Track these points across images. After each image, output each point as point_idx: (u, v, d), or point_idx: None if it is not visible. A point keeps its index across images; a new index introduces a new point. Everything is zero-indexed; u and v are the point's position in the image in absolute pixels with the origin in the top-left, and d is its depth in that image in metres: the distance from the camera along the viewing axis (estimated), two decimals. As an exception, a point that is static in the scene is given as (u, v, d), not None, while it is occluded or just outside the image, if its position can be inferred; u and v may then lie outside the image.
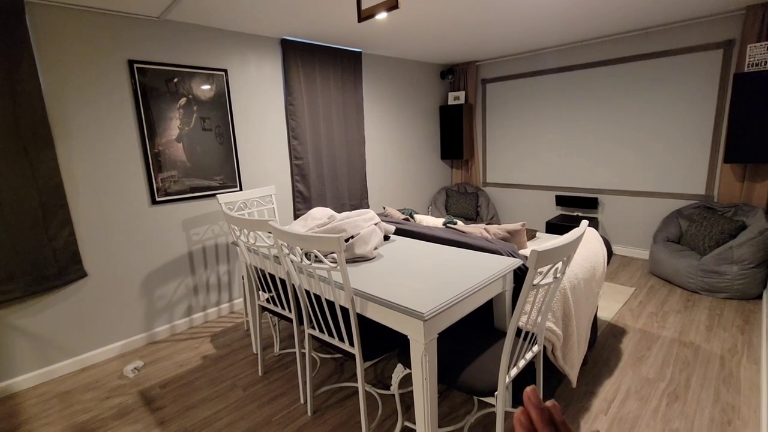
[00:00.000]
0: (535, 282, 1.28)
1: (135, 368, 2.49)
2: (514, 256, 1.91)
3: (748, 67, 3.06)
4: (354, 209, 4.12)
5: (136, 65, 2.58)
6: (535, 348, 1.65)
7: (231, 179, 3.14)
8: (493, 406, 1.99)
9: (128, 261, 2.69)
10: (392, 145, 4.56)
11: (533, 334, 1.66)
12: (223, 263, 3.20)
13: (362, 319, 1.90)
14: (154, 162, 2.72)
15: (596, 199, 4.23)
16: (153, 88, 2.67)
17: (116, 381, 2.40)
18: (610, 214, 4.22)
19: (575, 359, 1.91)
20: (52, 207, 2.34)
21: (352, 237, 2.00)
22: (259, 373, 2.37)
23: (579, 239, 1.41)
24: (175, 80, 2.76)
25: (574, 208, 4.46)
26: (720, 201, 3.47)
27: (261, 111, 3.29)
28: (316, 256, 1.70)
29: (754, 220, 3.07)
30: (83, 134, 2.44)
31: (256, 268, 2.25)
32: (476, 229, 2.38)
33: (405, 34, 3.40)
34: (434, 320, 1.38)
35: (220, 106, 3.01)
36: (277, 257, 1.99)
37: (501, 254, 1.94)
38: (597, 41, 3.98)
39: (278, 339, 2.64)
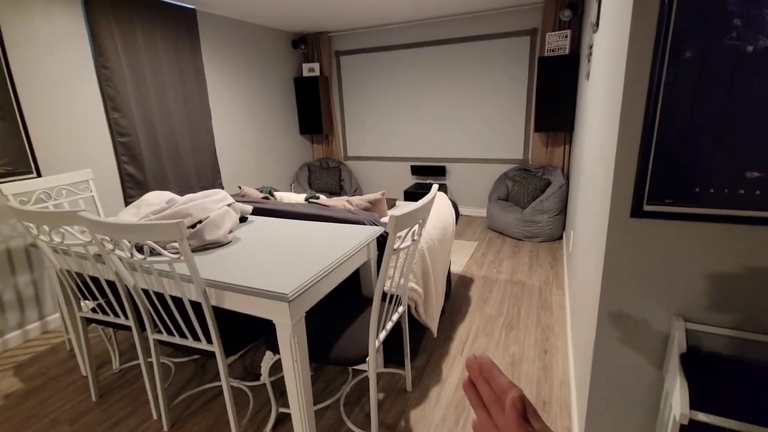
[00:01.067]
0: (395, 246, 1.32)
1: None
2: (375, 225, 1.95)
3: (547, 52, 3.72)
4: (205, 191, 3.66)
5: None
6: (401, 309, 1.74)
7: (19, 163, 2.40)
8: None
9: None
10: (245, 119, 4.16)
11: (398, 296, 1.74)
12: (23, 273, 2.47)
13: (220, 312, 1.70)
14: None
15: (444, 167, 4.69)
16: None
17: None
18: (455, 179, 4.75)
19: (435, 312, 2.11)
20: None
21: (200, 222, 1.74)
22: (93, 398, 1.94)
23: (431, 203, 1.50)
24: None
25: (426, 177, 4.87)
26: (533, 164, 4.24)
27: (61, 77, 2.56)
28: (151, 249, 1.42)
29: (555, 177, 3.85)
30: None
31: (70, 273, 1.79)
32: (339, 202, 2.36)
33: (245, -8, 3.05)
34: (299, 299, 1.31)
35: (-11, 64, 2.23)
36: (99, 255, 1.61)
37: (364, 224, 1.96)
38: (438, 20, 4.29)
39: (117, 352, 2.20)
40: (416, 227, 1.47)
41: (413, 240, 1.47)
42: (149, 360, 1.94)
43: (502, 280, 3.04)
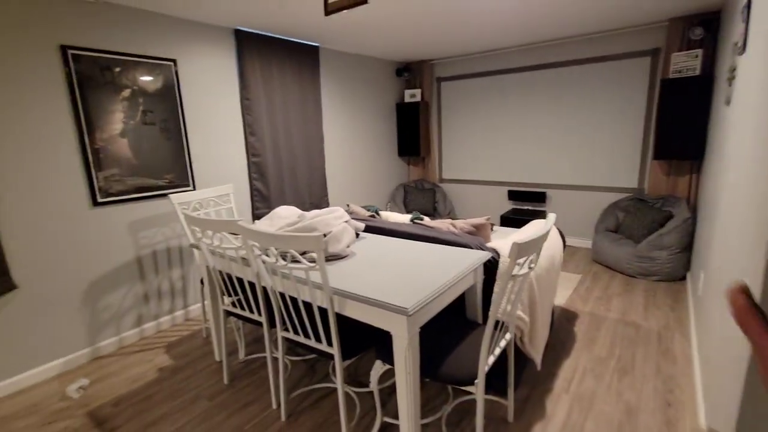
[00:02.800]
0: (514, 273, 1.35)
1: (80, 387, 2.26)
2: (482, 249, 1.98)
3: (672, 73, 3.42)
4: (314, 207, 4.04)
5: (70, 51, 2.32)
6: (508, 336, 1.73)
7: (182, 178, 2.94)
8: (469, 393, 2.06)
9: (67, 269, 2.43)
10: (350, 142, 4.52)
11: (504, 322, 1.74)
12: (176, 268, 2.99)
13: (338, 318, 1.88)
14: (94, 159, 2.47)
15: (544, 193, 4.51)
16: (91, 78, 2.42)
17: (58, 403, 2.16)
18: (556, 207, 4.52)
19: (540, 344, 2.04)
20: (-28, 211, 2.05)
21: (324, 235, 1.96)
22: (225, 381, 2.26)
23: (548, 232, 1.49)
24: (117, 69, 2.53)
25: (524, 202, 4.72)
26: (650, 193, 3.86)
27: (215, 105, 3.11)
28: (292, 257, 1.65)
29: (678, 210, 3.45)
30: (7, 128, 2.15)
31: (220, 272, 2.13)
32: (443, 224, 2.44)
33: (363, 29, 3.38)
34: (417, 314, 1.40)
35: (170, 99, 2.80)
36: (245, 259, 1.90)
37: (470, 248, 2.00)
38: (544, 45, 4.23)
39: (243, 344, 2.53)
40: (533, 255, 1.48)
41: (530, 268, 1.47)
42: (274, 355, 2.19)
43: (611, 319, 2.80)
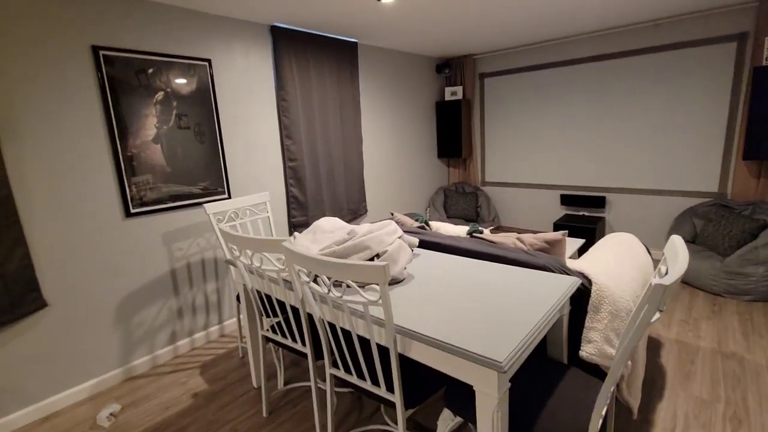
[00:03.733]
0: (653, 320, 1.02)
1: (111, 414, 2.09)
2: (566, 273, 1.65)
3: (766, 60, 2.93)
4: (352, 214, 3.80)
5: (102, 52, 2.16)
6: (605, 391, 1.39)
7: (217, 185, 2.75)
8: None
9: (99, 284, 2.28)
10: (388, 143, 4.25)
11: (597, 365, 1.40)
12: (210, 281, 2.81)
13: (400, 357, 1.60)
14: (127, 167, 2.31)
15: (604, 197, 4.07)
16: (123, 80, 2.25)
17: (88, 432, 2.00)
18: (618, 213, 4.07)
19: (639, 388, 1.68)
20: (1, 224, 1.91)
21: (377, 255, 1.69)
22: (264, 414, 2.03)
23: (672, 285, 1.15)
24: (151, 71, 2.36)
25: (579, 207, 4.30)
26: (734, 199, 3.36)
27: (250, 107, 2.91)
28: (348, 286, 1.39)
29: (776, 218, 2.96)
30: (37, 134, 2.01)
31: (259, 292, 1.91)
32: (508, 239, 2.12)
33: (404, 22, 3.09)
34: (511, 369, 1.10)
35: (204, 102, 2.62)
36: (288, 281, 1.65)
37: (551, 270, 1.68)
38: (601, 33, 3.80)
39: (282, 370, 2.30)
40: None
41: (660, 311, 1.14)
42: (319, 386, 1.94)
43: (706, 349, 2.38)
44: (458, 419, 1.37)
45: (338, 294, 1.30)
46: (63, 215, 2.12)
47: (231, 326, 2.96)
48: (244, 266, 1.78)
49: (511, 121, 4.65)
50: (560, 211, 4.46)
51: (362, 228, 1.80)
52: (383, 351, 1.54)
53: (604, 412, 1.23)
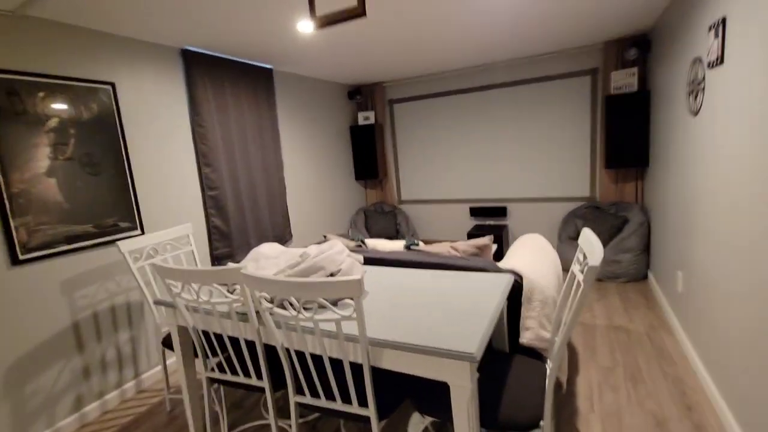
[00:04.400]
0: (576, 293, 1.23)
1: None
2: (499, 272, 1.87)
3: (613, 90, 3.73)
4: (278, 240, 3.68)
5: (-24, 73, 1.83)
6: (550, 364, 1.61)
7: (128, 220, 2.46)
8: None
9: (-24, 352, 1.84)
10: (308, 168, 4.26)
11: (534, 348, 1.62)
12: (123, 330, 2.46)
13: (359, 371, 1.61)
14: (12, 206, 1.95)
15: (505, 207, 4.63)
16: (5, 106, 1.93)
17: None
18: (517, 220, 4.65)
19: (565, 366, 1.95)
20: None
21: (332, 274, 1.71)
22: (212, 466, 1.83)
23: (597, 267, 1.41)
24: (41, 95, 2.06)
25: (486, 218, 4.81)
26: (602, 200, 4.13)
27: (162, 134, 2.70)
28: (320, 306, 1.37)
29: (633, 214, 3.72)
30: None
31: (203, 332, 1.75)
32: (443, 248, 2.30)
33: (317, 50, 3.21)
34: (477, 360, 1.22)
35: (108, 129, 2.36)
36: (242, 314, 1.57)
37: (487, 271, 1.88)
38: (492, 66, 4.42)
39: (225, 414, 2.11)
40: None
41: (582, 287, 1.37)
42: (279, 424, 1.83)
43: (601, 326, 2.85)
44: (427, 420, 1.44)
45: (308, 315, 1.29)
46: None
47: (150, 379, 2.61)
48: (184, 304, 1.63)
49: (421, 143, 5.04)
50: (471, 222, 4.93)
51: (312, 249, 1.80)
52: (354, 367, 1.55)
53: (550, 396, 1.42)
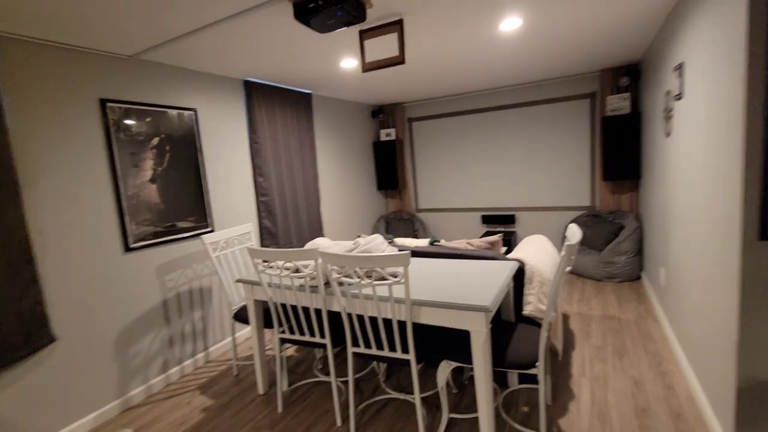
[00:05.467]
0: (568, 269, 1.72)
1: (126, 438, 2.20)
2: (507, 260, 2.37)
3: (609, 112, 4.23)
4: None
5: (108, 104, 2.43)
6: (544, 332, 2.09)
7: (202, 219, 3.03)
8: (507, 387, 2.37)
9: (100, 317, 2.39)
10: (337, 179, 4.82)
11: (534, 318, 2.10)
12: (197, 309, 3.00)
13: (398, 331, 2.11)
14: (128, 206, 2.52)
15: (513, 215, 5.11)
16: (126, 127, 2.52)
17: (108, 456, 2.09)
18: (524, 226, 5.13)
19: (560, 335, 2.42)
20: (17, 264, 2.02)
21: (377, 259, 2.22)
22: (279, 410, 2.34)
23: (577, 244, 1.91)
24: (148, 119, 2.65)
25: (497, 225, 5.29)
26: (601, 209, 4.59)
27: (229, 149, 3.28)
28: (378, 276, 1.89)
29: (627, 221, 4.17)
30: (51, 179, 2.18)
31: (275, 304, 2.28)
32: (460, 244, 2.81)
33: (351, 80, 3.79)
34: (491, 312, 1.72)
35: (191, 145, 2.94)
36: (314, 287, 2.09)
37: (497, 260, 2.38)
38: (503, 90, 4.96)
39: (285, 374, 2.61)
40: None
41: (570, 267, 1.87)
42: (340, 380, 2.31)
43: (596, 316, 3.30)
44: (453, 364, 1.92)
45: (369, 281, 1.81)
46: (70, 253, 2.26)
47: (215, 352, 3.13)
48: (267, 280, 2.16)
49: (436, 157, 5.58)
50: (482, 229, 5.42)
51: (360, 240, 2.33)
52: (398, 325, 2.05)
53: (543, 347, 1.91)
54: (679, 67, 2.30)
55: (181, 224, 2.86)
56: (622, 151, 4.14)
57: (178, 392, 2.66)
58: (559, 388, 2.34)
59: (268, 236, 3.62)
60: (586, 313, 3.36)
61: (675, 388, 2.26)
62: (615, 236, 4.21)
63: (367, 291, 1.94)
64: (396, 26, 2.18)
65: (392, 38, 2.21)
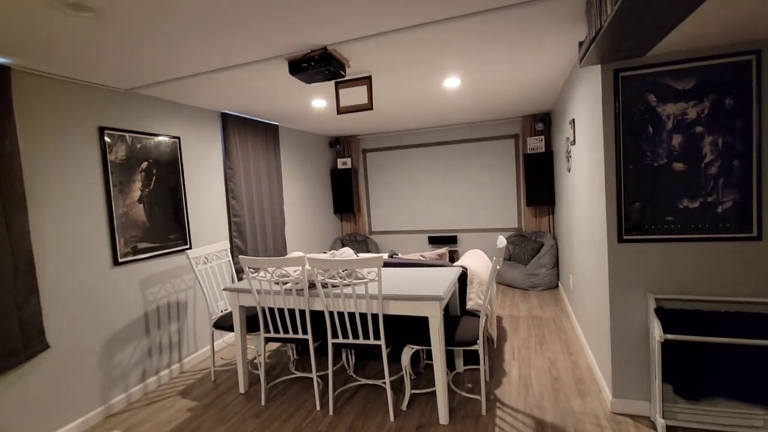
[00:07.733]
0: (498, 267, 2.33)
1: (116, 437, 2.37)
2: (454, 267, 2.96)
3: (529, 150, 5.17)
4: (278, 260, 4.53)
5: (105, 131, 2.70)
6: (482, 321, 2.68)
7: (182, 237, 3.28)
8: (455, 370, 2.90)
9: (89, 327, 2.56)
10: (299, 203, 5.22)
11: (474, 312, 2.69)
12: (174, 322, 3.20)
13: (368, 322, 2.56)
14: (119, 223, 2.75)
15: (456, 236, 5.83)
16: (119, 153, 2.78)
17: (101, 453, 2.26)
18: (465, 246, 5.86)
19: (495, 327, 3.03)
20: (22, 273, 2.20)
21: (350, 266, 2.69)
22: (262, 402, 2.64)
23: (504, 248, 2.54)
24: (139, 146, 2.93)
25: (441, 245, 5.97)
26: (526, 230, 5.46)
27: (206, 174, 3.59)
28: (356, 275, 2.34)
29: (546, 239, 5.05)
30: (52, 197, 2.40)
31: (263, 308, 2.63)
32: (414, 256, 3.37)
33: (314, 116, 4.32)
34: (443, 301, 2.26)
35: (175, 170, 3.23)
36: (299, 290, 2.49)
37: (446, 267, 2.96)
38: (447, 128, 5.77)
39: (264, 373, 2.91)
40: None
41: (497, 269, 2.48)
42: (318, 374, 2.67)
43: (523, 316, 4.00)
44: (415, 348, 2.41)
45: (348, 280, 2.27)
46: (65, 265, 2.45)
47: (190, 363, 3.32)
48: (255, 284, 2.52)
49: (388, 185, 6.21)
50: (429, 248, 6.07)
51: (336, 252, 2.79)
52: (371, 316, 2.50)
53: (482, 330, 2.49)
54: (573, 122, 3.14)
55: (164, 242, 3.11)
56: (540, 182, 5.05)
57: (159, 399, 2.84)
58: (495, 368, 2.92)
59: (239, 253, 3.91)
60: (515, 315, 4.04)
61: (579, 363, 2.94)
62: (537, 252, 5.05)
63: (347, 290, 2.40)
64: (366, 80, 2.77)
65: (362, 89, 2.78)
